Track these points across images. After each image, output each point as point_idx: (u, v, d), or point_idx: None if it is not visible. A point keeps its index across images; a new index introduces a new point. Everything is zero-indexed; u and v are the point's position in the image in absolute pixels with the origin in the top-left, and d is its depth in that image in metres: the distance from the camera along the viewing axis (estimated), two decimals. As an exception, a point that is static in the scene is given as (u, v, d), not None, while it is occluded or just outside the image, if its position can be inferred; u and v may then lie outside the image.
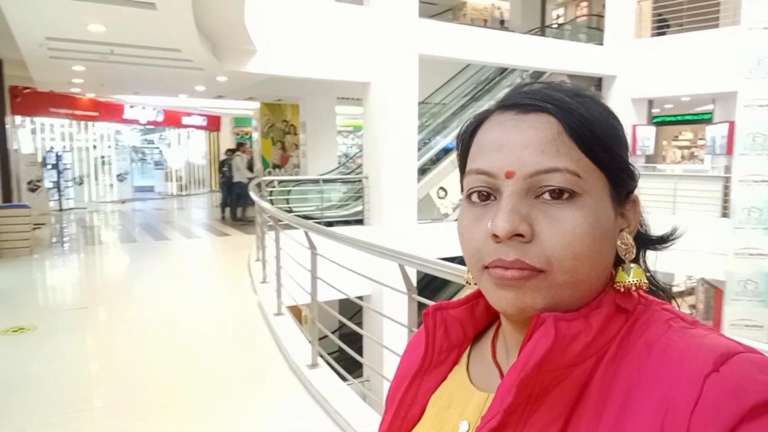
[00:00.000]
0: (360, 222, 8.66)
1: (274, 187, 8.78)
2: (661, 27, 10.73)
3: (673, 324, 0.47)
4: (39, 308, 5.36)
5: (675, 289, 14.77)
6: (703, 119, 14.47)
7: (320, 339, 3.87)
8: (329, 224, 8.17)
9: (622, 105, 10.73)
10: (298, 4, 7.75)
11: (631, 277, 0.50)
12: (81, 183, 15.80)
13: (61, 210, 13.65)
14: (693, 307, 13.70)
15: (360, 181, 8.83)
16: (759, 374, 0.40)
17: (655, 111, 13.17)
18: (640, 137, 10.79)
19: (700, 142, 15.02)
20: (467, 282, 0.57)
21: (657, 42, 10.42)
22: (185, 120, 18.90)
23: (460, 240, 0.52)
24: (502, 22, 15.27)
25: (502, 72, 11.38)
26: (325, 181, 9.10)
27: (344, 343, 3.74)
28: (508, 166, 0.48)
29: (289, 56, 7.78)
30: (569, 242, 0.46)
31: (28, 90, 12.19)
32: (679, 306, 0.53)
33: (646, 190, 10.47)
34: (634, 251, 0.52)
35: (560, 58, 9.94)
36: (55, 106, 13.85)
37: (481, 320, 0.60)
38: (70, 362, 3.86)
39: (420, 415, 0.57)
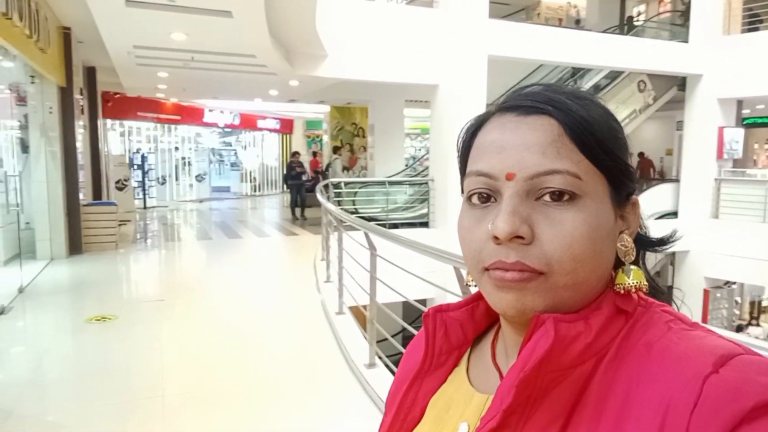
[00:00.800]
0: (425, 225, 8.65)
1: (341, 188, 8.93)
2: (752, 22, 9.99)
3: (673, 326, 0.47)
4: (121, 299, 5.73)
5: (765, 303, 13.68)
6: (801, 121, 13.37)
7: (381, 341, 3.89)
8: (394, 226, 8.21)
9: (708, 105, 10.11)
10: (367, 8, 7.86)
11: (631, 278, 0.50)
12: (163, 183, 16.78)
13: (144, 208, 14.55)
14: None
15: (426, 183, 8.82)
16: (759, 375, 0.40)
17: (745, 112, 12.29)
18: (728, 140, 10.11)
19: (797, 146, 13.88)
20: (467, 284, 0.56)
21: (748, 38, 9.72)
22: (260, 123, 19.62)
23: (460, 241, 0.52)
24: (578, 21, 14.77)
25: (575, 73, 11.02)
26: (391, 183, 9.15)
27: (405, 347, 3.74)
28: (509, 168, 0.48)
29: (359, 60, 7.90)
30: (569, 244, 0.46)
31: (118, 95, 13.10)
32: (678, 308, 0.53)
33: (733, 196, 9.80)
34: (634, 253, 0.52)
35: (641, 56, 9.49)
36: (142, 110, 14.81)
37: (481, 322, 0.60)
38: (145, 351, 4.10)
39: (419, 418, 0.57)
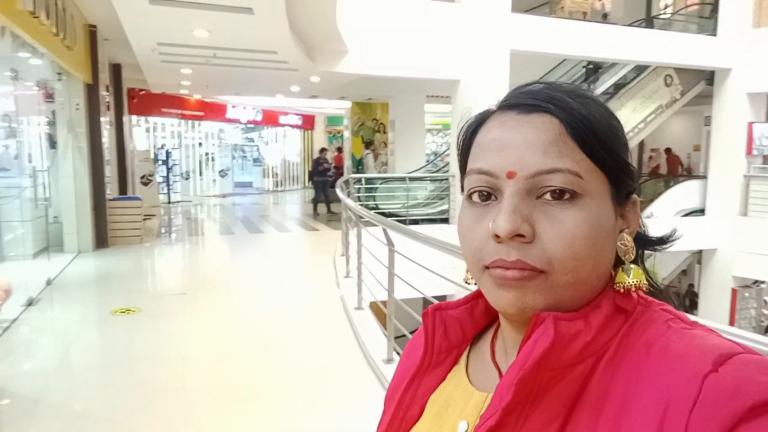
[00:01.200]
0: (446, 221, 8.62)
1: (361, 184, 8.95)
2: (785, 14, 9.71)
3: (673, 324, 0.47)
4: (145, 292, 5.84)
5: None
6: (836, 116, 12.92)
7: (399, 337, 3.90)
8: (414, 222, 8.20)
9: (737, 100, 9.86)
10: (388, 3, 7.84)
11: (631, 277, 0.50)
12: (187, 178, 17.01)
13: (169, 203, 14.77)
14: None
15: (446, 179, 8.79)
16: (758, 374, 0.40)
17: (777, 107, 11.94)
18: (758, 136, 9.84)
19: (831, 142, 13.43)
20: (466, 281, 0.56)
21: (779, 31, 9.45)
22: (282, 119, 19.76)
23: (460, 239, 0.52)
24: (605, 15, 14.50)
25: (590, 72, 10.87)
26: (411, 179, 9.13)
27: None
28: (510, 167, 0.48)
29: (380, 56, 7.89)
30: (570, 243, 0.46)
31: (143, 92, 13.32)
32: (677, 307, 0.52)
33: (762, 193, 9.55)
34: (634, 252, 0.52)
35: (668, 50, 9.30)
36: (166, 106, 15.04)
37: (481, 321, 0.60)
38: (167, 343, 4.18)
39: (419, 416, 0.57)
